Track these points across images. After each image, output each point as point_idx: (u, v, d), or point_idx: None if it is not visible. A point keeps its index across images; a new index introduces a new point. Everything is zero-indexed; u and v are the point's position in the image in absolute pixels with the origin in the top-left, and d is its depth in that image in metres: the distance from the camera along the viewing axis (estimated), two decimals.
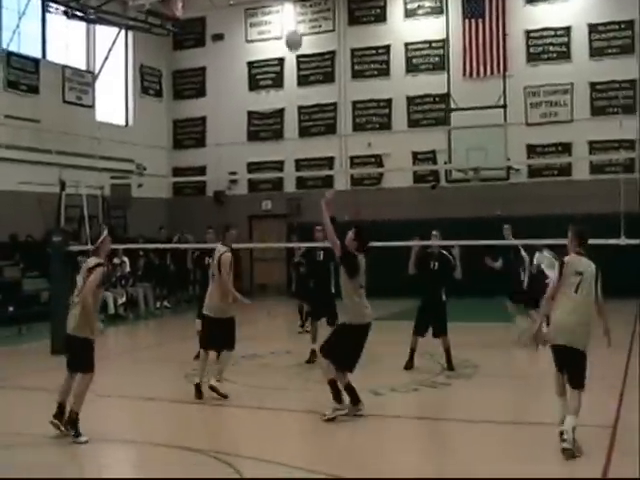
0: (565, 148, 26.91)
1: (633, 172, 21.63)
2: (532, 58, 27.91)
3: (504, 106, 27.12)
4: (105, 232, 10.41)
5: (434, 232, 15.51)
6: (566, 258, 9.51)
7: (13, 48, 25.66)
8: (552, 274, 13.80)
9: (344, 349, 10.55)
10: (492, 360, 13.85)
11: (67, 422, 9.57)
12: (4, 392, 12.89)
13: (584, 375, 9.09)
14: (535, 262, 18.08)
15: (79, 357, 9.77)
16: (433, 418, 11.00)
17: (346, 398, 10.51)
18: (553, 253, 17.96)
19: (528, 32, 27.88)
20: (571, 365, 9.12)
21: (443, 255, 14.51)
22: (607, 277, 21.22)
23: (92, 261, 10.04)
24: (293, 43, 22.05)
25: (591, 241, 15.24)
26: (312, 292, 15.92)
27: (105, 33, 29.41)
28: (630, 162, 24.36)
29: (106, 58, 29.24)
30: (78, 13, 26.78)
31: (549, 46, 27.78)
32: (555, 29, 27.61)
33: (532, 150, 27.27)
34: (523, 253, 16.80)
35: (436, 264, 14.46)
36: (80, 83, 28.40)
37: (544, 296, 9.70)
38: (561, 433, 8.79)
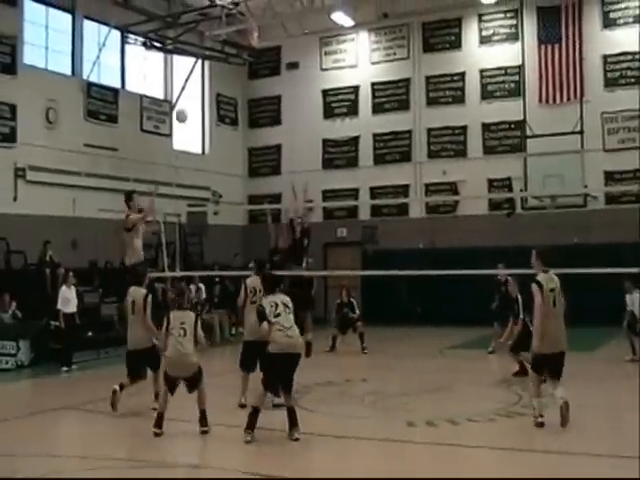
0: None
1: None
2: (609, 83, 27.54)
3: (581, 132, 26.84)
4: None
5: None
6: (539, 278, 11.44)
7: (93, 79, 26.21)
8: None
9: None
10: (570, 389, 13.58)
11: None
12: (81, 415, 13.07)
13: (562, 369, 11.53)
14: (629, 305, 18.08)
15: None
16: (509, 448, 10.84)
17: None
18: None
19: (605, 57, 27.54)
20: (557, 364, 11.46)
21: None
22: None
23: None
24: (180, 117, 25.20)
25: None
26: None
27: (182, 63, 29.86)
28: None
29: (183, 88, 29.66)
30: (156, 44, 27.19)
31: (627, 71, 27.39)
32: (633, 53, 27.19)
33: (610, 177, 26.84)
34: None
35: None
36: (158, 112, 28.85)
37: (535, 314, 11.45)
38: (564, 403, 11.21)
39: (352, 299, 21.78)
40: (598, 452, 10.08)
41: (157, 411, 11.40)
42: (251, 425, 10.84)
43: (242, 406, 12.80)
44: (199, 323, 11.73)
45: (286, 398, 11.16)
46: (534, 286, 11.39)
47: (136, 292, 13.25)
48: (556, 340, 11.38)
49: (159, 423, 11.19)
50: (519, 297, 16.10)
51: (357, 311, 21.43)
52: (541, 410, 11.49)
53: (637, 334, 18.25)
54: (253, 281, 13.48)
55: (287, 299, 11.42)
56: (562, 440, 10.91)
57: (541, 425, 11.37)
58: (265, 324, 11.14)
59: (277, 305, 11.20)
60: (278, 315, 11.10)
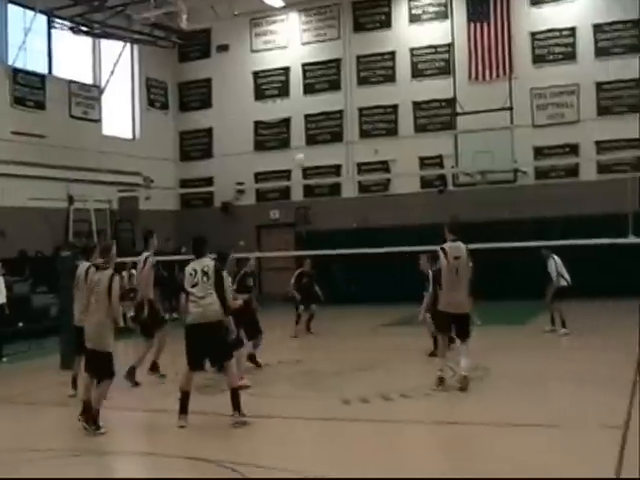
0: (572, 149, 26.84)
1: None
2: (538, 60, 27.87)
3: (510, 109, 27.04)
4: (114, 245, 10.87)
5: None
6: (446, 245, 12.41)
7: (19, 64, 25.75)
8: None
9: None
10: (502, 363, 13.74)
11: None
12: (15, 408, 12.87)
13: (468, 330, 12.53)
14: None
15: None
16: (444, 422, 10.91)
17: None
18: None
19: (533, 34, 27.86)
20: (460, 324, 12.44)
21: None
22: (616, 276, 21.39)
23: (107, 272, 10.57)
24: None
25: (599, 240, 15.36)
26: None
27: (111, 47, 29.48)
28: (637, 161, 24.27)
29: (112, 72, 29.32)
30: (83, 28, 26.83)
31: (554, 47, 27.73)
32: (560, 30, 27.58)
33: (539, 152, 27.18)
34: None
35: None
36: (86, 98, 28.47)
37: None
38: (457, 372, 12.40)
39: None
40: (534, 422, 10.18)
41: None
42: (184, 409, 10.58)
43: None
44: (115, 283, 10.48)
45: (225, 376, 10.84)
46: (439, 252, 12.56)
47: None
48: (458, 303, 12.42)
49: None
50: (430, 272, 16.19)
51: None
52: (442, 366, 12.61)
53: (553, 301, 18.51)
54: None
55: (210, 265, 10.86)
56: (492, 411, 11.02)
57: (441, 381, 12.35)
58: (182, 297, 10.97)
59: (196, 273, 10.74)
60: (195, 285, 10.68)
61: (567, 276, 18.35)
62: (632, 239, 14.97)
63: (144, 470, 9.29)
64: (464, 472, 8.38)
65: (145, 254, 14.56)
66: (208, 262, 10.91)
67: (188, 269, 10.83)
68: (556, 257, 18.38)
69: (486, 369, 13.71)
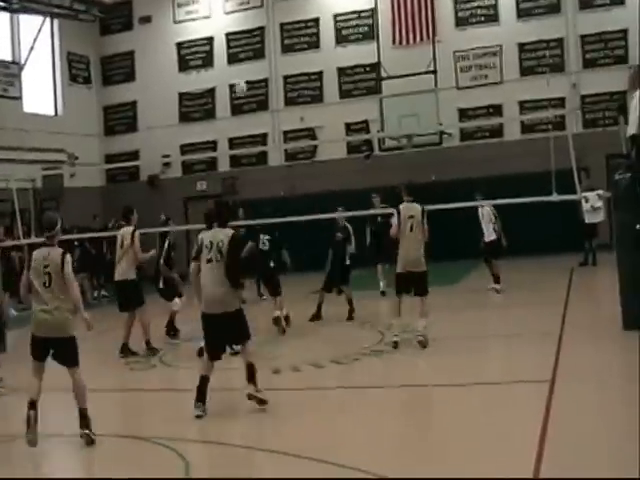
0: (496, 110, 27.07)
1: (564, 129, 21.73)
2: (460, 22, 27.98)
3: (434, 72, 27.06)
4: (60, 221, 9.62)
5: (373, 195, 19.26)
6: (401, 206, 13.02)
7: None
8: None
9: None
10: (435, 323, 13.82)
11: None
12: None
13: (427, 287, 12.94)
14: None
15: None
16: (371, 386, 10.98)
17: None
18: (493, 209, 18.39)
19: None
20: (418, 282, 12.79)
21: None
22: (542, 234, 21.66)
23: (56, 251, 9.05)
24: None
25: (524, 199, 15.57)
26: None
27: (30, 22, 28.83)
28: (560, 119, 24.57)
29: (32, 48, 28.68)
30: (1, 3, 26.24)
31: (477, 9, 27.86)
32: None
33: (464, 114, 27.38)
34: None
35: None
36: (6, 75, 27.83)
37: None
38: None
39: None
40: (459, 382, 10.29)
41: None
42: (201, 396, 9.62)
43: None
44: (67, 263, 8.97)
45: (243, 354, 10.00)
46: (393, 211, 13.27)
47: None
48: (414, 261, 12.85)
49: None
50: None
51: None
52: (397, 330, 12.95)
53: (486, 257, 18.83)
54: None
55: (226, 236, 9.66)
56: (420, 374, 11.13)
57: (395, 345, 12.69)
58: (193, 268, 9.80)
59: (211, 246, 9.61)
60: (210, 261, 9.60)
61: (496, 227, 18.61)
62: (555, 197, 15.12)
63: (75, 451, 9.19)
64: (410, 436, 8.49)
65: (130, 228, 14.59)
66: (226, 232, 9.79)
67: (203, 237, 9.74)
68: (487, 208, 18.57)
69: (414, 331, 13.80)
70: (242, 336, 9.83)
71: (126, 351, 14.23)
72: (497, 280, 18.58)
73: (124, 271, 14.50)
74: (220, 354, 9.92)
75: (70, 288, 8.94)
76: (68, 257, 9.05)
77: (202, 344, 10.36)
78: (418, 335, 12.65)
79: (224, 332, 9.75)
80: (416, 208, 13.05)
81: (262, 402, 9.59)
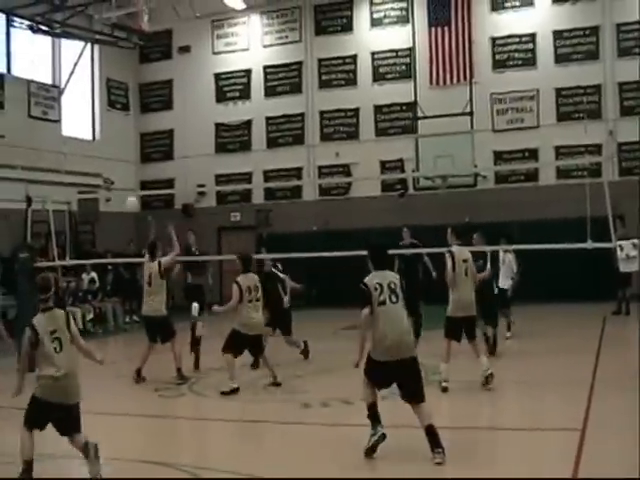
0: (532, 154, 27.07)
1: (599, 176, 21.68)
2: (498, 65, 28.03)
3: (471, 113, 27.19)
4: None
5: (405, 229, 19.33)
6: (454, 249, 12.90)
7: None
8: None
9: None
10: (459, 366, 13.78)
11: None
12: None
13: (475, 330, 12.87)
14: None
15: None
16: (400, 426, 10.94)
17: None
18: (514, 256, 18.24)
19: (494, 39, 28.01)
20: (470, 326, 12.66)
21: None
22: (574, 281, 21.55)
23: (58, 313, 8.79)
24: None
25: (558, 245, 15.50)
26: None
27: (71, 47, 29.21)
28: (596, 166, 24.52)
29: (72, 72, 29.05)
30: (43, 27, 26.57)
31: (514, 53, 27.92)
32: (520, 36, 27.75)
33: (499, 156, 27.39)
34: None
35: None
36: (46, 98, 28.18)
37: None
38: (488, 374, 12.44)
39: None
40: (487, 426, 10.25)
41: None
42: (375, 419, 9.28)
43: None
44: (72, 322, 8.84)
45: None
46: (447, 255, 12.88)
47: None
48: (469, 306, 12.76)
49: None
50: None
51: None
52: (447, 376, 12.48)
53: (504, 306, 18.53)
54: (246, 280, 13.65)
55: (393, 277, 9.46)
56: (447, 416, 11.08)
57: (445, 390, 12.32)
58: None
59: (382, 289, 9.22)
60: (382, 303, 9.16)
61: (514, 276, 18.37)
62: (590, 244, 15.06)
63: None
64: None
65: (154, 264, 14.97)
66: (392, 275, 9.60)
67: (373, 282, 9.26)
68: (510, 255, 18.33)
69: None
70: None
71: (182, 375, 14.47)
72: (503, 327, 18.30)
73: (155, 308, 14.72)
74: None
75: (78, 344, 8.82)
76: (71, 317, 8.95)
77: None
78: (485, 371, 12.57)
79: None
80: (467, 252, 13.12)
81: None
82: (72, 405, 8.53)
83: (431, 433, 8.78)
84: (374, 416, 9.16)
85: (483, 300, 14.57)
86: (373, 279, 9.24)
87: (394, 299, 9.16)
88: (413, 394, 9.06)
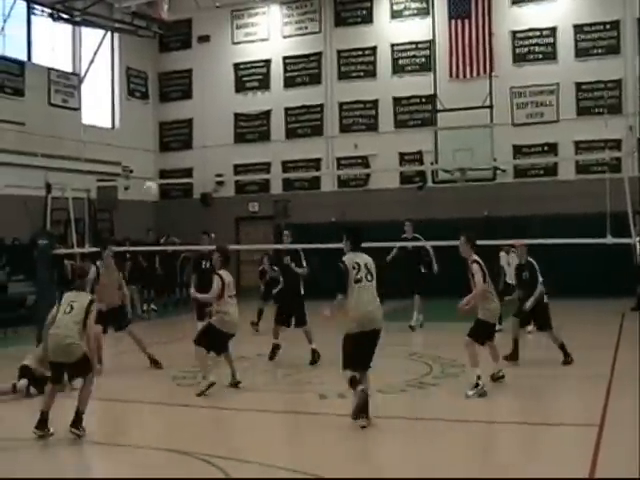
0: (551, 148, 26.99)
1: (619, 172, 21.59)
2: (518, 59, 27.93)
3: (490, 107, 27.19)
4: (93, 269, 10.54)
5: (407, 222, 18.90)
6: (477, 257, 12.31)
7: None
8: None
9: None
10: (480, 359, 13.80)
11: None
12: None
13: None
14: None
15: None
16: (419, 418, 10.97)
17: None
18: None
19: (514, 33, 27.90)
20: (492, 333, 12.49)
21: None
22: (593, 276, 21.43)
23: (85, 296, 10.33)
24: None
25: (578, 240, 15.40)
26: (281, 295, 16.11)
27: (91, 35, 29.30)
28: (616, 162, 24.38)
29: (92, 61, 29.15)
30: (64, 15, 26.68)
31: (535, 47, 27.81)
32: (541, 29, 27.64)
33: (518, 150, 27.31)
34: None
35: None
36: (66, 86, 28.27)
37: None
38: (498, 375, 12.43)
39: (275, 267, 19.23)
40: (504, 420, 10.26)
41: (41, 409, 9.86)
42: (363, 409, 10.09)
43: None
44: (93, 310, 10.21)
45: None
46: (477, 264, 12.26)
47: None
48: (495, 312, 12.62)
49: (42, 425, 9.76)
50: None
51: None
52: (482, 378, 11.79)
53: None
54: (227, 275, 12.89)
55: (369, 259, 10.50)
56: (465, 410, 11.08)
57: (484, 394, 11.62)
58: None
59: (359, 267, 10.36)
60: (359, 281, 10.27)
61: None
62: (609, 239, 15.01)
63: (114, 461, 9.29)
64: (454, 471, 8.45)
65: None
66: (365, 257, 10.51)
67: (349, 261, 10.31)
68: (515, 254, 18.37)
69: (462, 365, 13.76)
70: None
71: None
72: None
73: None
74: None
75: (89, 337, 10.03)
76: (94, 307, 10.18)
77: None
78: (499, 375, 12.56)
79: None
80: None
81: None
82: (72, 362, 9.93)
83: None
84: (354, 382, 10.11)
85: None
86: (353, 259, 10.28)
87: (369, 278, 10.28)
88: (370, 362, 10.39)
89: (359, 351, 10.19)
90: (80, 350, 9.91)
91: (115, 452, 9.55)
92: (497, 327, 17.68)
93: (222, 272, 12.78)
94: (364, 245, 10.71)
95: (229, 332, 12.67)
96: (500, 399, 11.62)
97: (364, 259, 10.36)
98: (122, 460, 9.17)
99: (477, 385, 11.66)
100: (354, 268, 10.17)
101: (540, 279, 14.86)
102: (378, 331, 10.29)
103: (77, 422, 9.75)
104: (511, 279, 18.25)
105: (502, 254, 18.71)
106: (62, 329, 9.92)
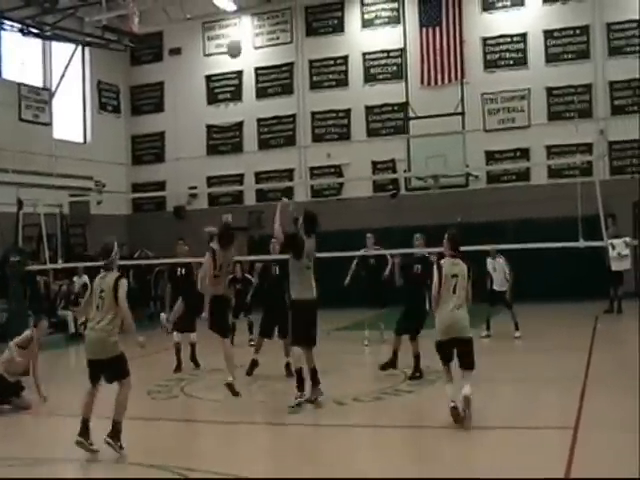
0: (523, 153, 27.12)
1: (590, 175, 21.70)
2: (489, 65, 28.07)
3: (462, 113, 27.33)
4: (116, 245, 9.92)
5: (368, 235, 18.28)
6: (442, 261, 10.70)
7: None
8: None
9: (299, 326, 11.83)
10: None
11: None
12: None
13: (473, 357, 10.45)
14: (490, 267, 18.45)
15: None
16: (395, 426, 10.94)
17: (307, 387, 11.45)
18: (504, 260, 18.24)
19: (485, 39, 28.05)
20: (463, 351, 10.37)
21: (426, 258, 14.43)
22: (567, 280, 21.50)
23: (112, 275, 9.65)
24: (233, 49, 23.05)
25: (551, 244, 15.45)
26: (266, 306, 15.58)
27: (62, 50, 29.14)
28: (587, 165, 24.51)
29: (63, 75, 29.00)
30: (34, 30, 26.48)
31: (506, 53, 27.96)
32: (511, 36, 27.81)
33: (490, 156, 27.40)
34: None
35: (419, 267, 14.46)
36: (37, 101, 28.12)
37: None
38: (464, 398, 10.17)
39: (247, 275, 19.42)
40: (481, 425, 10.24)
41: (82, 417, 9.55)
42: (301, 385, 11.68)
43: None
44: (120, 285, 9.60)
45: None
46: (434, 268, 10.76)
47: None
48: (451, 326, 10.43)
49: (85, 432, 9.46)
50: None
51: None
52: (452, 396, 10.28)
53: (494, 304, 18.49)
54: None
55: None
56: (442, 415, 11.07)
57: (457, 416, 10.16)
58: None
59: (309, 256, 12.30)
60: (308, 268, 12.17)
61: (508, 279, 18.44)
62: (582, 243, 15.08)
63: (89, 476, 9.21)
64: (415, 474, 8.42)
65: None
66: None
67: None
68: (500, 260, 18.44)
69: (437, 372, 13.72)
70: None
71: None
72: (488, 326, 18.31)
73: None
74: None
75: (122, 311, 9.50)
76: (123, 281, 9.58)
77: None
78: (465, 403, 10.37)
79: None
80: (462, 268, 10.63)
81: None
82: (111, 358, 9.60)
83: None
84: (301, 380, 11.45)
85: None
86: (307, 244, 11.84)
87: (310, 265, 11.82)
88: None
89: (302, 321, 11.76)
90: (115, 348, 9.59)
91: (92, 469, 9.45)
92: (484, 333, 17.97)
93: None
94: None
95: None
96: (475, 404, 11.57)
97: (312, 247, 12.15)
98: (99, 476, 9.08)
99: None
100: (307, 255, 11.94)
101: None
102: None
103: (113, 434, 9.41)
104: (497, 285, 18.41)
105: (488, 260, 18.70)
106: (97, 330, 9.50)
